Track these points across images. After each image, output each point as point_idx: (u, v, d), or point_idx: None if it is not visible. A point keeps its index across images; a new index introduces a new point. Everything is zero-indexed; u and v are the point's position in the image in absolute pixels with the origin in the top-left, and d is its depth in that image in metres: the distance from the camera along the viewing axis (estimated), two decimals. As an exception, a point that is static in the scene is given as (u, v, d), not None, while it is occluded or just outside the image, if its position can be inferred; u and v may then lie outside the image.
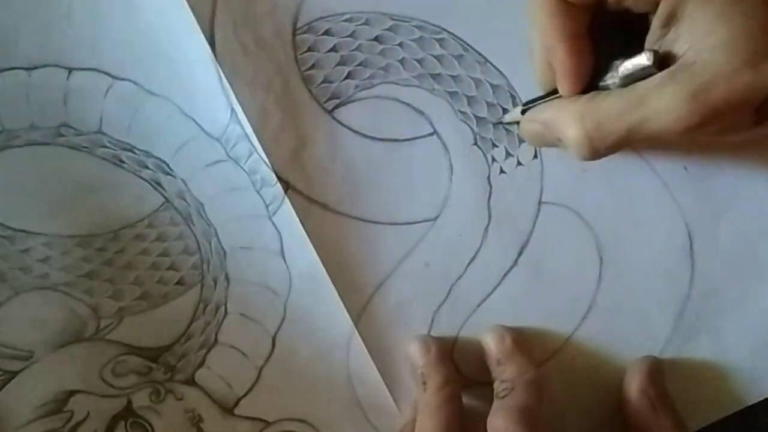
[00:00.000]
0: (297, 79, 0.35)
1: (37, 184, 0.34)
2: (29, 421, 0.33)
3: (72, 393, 0.33)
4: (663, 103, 0.27)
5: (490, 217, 0.35)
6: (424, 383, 0.34)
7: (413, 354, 0.35)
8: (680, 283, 0.36)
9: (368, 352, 0.35)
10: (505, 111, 0.35)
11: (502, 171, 0.35)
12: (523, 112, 0.34)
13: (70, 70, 0.35)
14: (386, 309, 0.35)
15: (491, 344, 0.35)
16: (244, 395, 0.35)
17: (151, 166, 0.35)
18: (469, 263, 0.35)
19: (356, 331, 0.35)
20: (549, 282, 0.35)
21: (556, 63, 0.30)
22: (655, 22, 0.29)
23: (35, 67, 0.34)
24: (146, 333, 0.34)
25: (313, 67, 0.35)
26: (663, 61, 0.28)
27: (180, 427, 0.34)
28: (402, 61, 0.35)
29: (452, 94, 0.35)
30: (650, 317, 0.36)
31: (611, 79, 0.30)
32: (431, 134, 0.35)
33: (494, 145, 0.35)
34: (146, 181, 0.35)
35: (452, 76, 0.35)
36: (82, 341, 0.34)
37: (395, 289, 0.35)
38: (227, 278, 0.35)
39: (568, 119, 0.30)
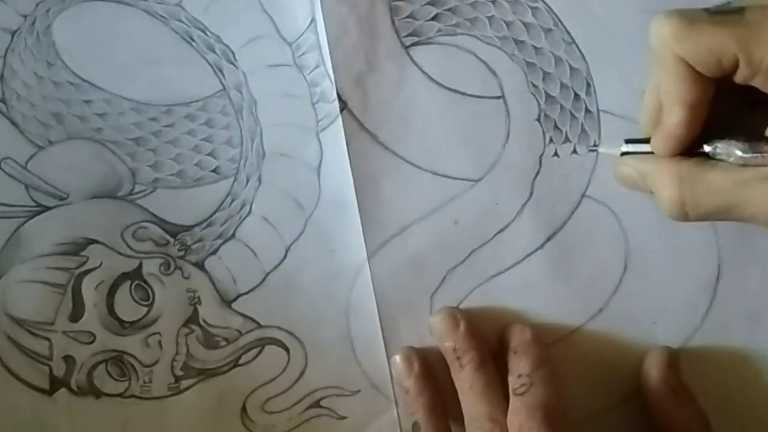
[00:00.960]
0: (384, 6, 0.34)
1: (112, 41, 0.36)
2: (46, 254, 0.35)
3: (91, 241, 0.35)
4: (763, 194, 0.28)
5: (531, 194, 0.35)
6: (458, 359, 0.34)
7: (440, 329, 0.34)
8: (695, 314, 0.35)
9: (373, 290, 0.35)
10: (576, 96, 0.34)
11: (556, 153, 0.35)
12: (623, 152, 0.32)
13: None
14: (403, 253, 0.35)
15: (511, 334, 0.34)
16: (245, 293, 0.36)
17: (217, 52, 0.36)
18: (497, 233, 0.35)
19: (368, 266, 0.35)
20: (568, 274, 0.35)
21: (665, 123, 0.30)
22: None
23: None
24: (173, 208, 0.36)
25: (402, -2, 0.34)
26: None
27: (178, 303, 0.35)
28: (490, 19, 0.34)
29: (530, 64, 0.35)
30: (657, 337, 0.35)
31: (720, 150, 0.29)
32: (498, 98, 0.35)
33: (556, 127, 0.35)
34: (210, 64, 0.36)
35: (535, 48, 0.34)
36: (114, 198, 0.35)
37: (417, 237, 0.35)
38: (260, 179, 0.36)
39: (667, 179, 0.30)
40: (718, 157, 0.29)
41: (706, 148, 0.30)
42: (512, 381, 0.33)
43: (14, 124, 0.35)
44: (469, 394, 0.33)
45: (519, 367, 0.33)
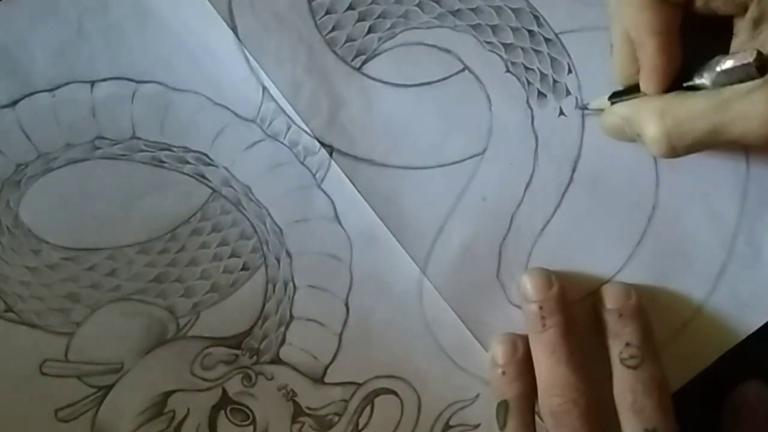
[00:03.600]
0: (321, 44, 0.34)
1: (85, 200, 0.35)
2: (134, 429, 0.34)
3: (169, 394, 0.34)
4: (749, 106, 0.28)
5: (537, 139, 0.35)
6: (543, 318, 0.33)
7: (531, 286, 0.34)
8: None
9: (442, 297, 0.35)
10: (531, 33, 0.35)
11: (540, 93, 0.35)
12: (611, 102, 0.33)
13: (92, 82, 0.34)
14: (451, 251, 0.35)
15: (614, 296, 0.34)
16: (331, 363, 0.35)
17: (191, 161, 0.35)
18: (526, 189, 0.35)
19: (425, 279, 0.35)
20: (607, 194, 0.35)
21: (643, 59, 0.30)
22: (744, 24, 0.29)
23: (57, 87, 0.34)
24: (224, 322, 0.35)
25: (333, 29, 0.34)
26: (762, 66, 0.28)
27: (277, 405, 0.35)
28: (420, 5, 0.35)
29: (475, 26, 0.35)
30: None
31: (699, 79, 0.30)
32: (462, 70, 0.35)
33: (527, 69, 0.35)
34: (190, 176, 0.35)
35: (472, 9, 0.35)
36: (166, 343, 0.34)
37: (457, 230, 0.35)
38: (288, 254, 0.35)
39: (649, 115, 0.30)
40: (706, 85, 0.29)
41: (694, 82, 0.30)
42: (617, 346, 0.33)
43: (32, 326, 0.34)
44: (550, 359, 0.33)
45: (625, 333, 0.33)
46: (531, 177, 0.35)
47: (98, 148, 0.35)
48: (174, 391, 0.34)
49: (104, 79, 0.35)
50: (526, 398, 0.34)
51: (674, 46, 0.30)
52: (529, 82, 0.35)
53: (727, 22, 0.30)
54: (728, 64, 0.29)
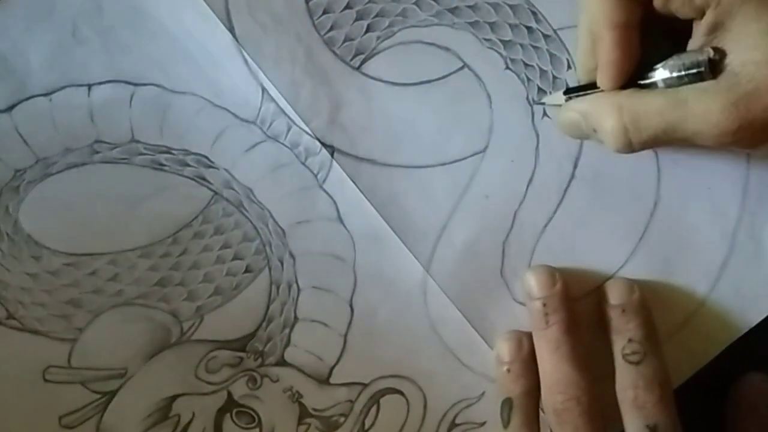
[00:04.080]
0: (319, 44, 0.34)
1: (86, 205, 0.34)
2: (140, 434, 0.33)
3: (173, 398, 0.34)
4: (703, 106, 0.28)
5: (537, 136, 0.35)
6: (546, 315, 0.33)
7: (534, 283, 0.34)
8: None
9: (446, 296, 0.35)
10: (529, 29, 0.35)
11: (540, 89, 0.35)
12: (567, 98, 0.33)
13: (89, 86, 0.34)
14: (455, 250, 0.35)
15: (617, 291, 0.34)
16: (336, 363, 0.35)
17: (191, 163, 0.35)
18: (528, 186, 0.35)
19: (429, 278, 0.35)
20: (609, 189, 0.35)
21: (601, 52, 0.30)
22: (701, 28, 0.29)
23: (53, 91, 0.34)
24: (228, 325, 0.35)
25: (332, 28, 0.34)
26: (713, 65, 0.29)
27: (283, 407, 0.35)
28: (418, 3, 0.35)
29: (473, 23, 0.35)
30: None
31: (657, 75, 0.30)
32: (461, 68, 0.35)
33: (526, 65, 0.35)
34: (190, 178, 0.35)
35: (470, 6, 0.35)
36: (170, 347, 0.34)
37: (459, 228, 0.35)
38: (292, 255, 0.35)
39: (607, 110, 0.30)
40: (658, 84, 0.30)
41: (648, 81, 0.31)
42: (620, 342, 0.33)
43: (34, 332, 0.34)
44: (554, 357, 0.33)
45: (628, 329, 0.33)
46: (533, 174, 0.35)
47: (97, 152, 0.34)
48: (179, 395, 0.34)
49: (101, 83, 0.34)
50: (531, 395, 0.34)
51: (632, 41, 0.30)
52: (528, 79, 0.35)
53: (685, 25, 0.30)
54: (681, 63, 0.29)
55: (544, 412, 0.34)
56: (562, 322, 0.33)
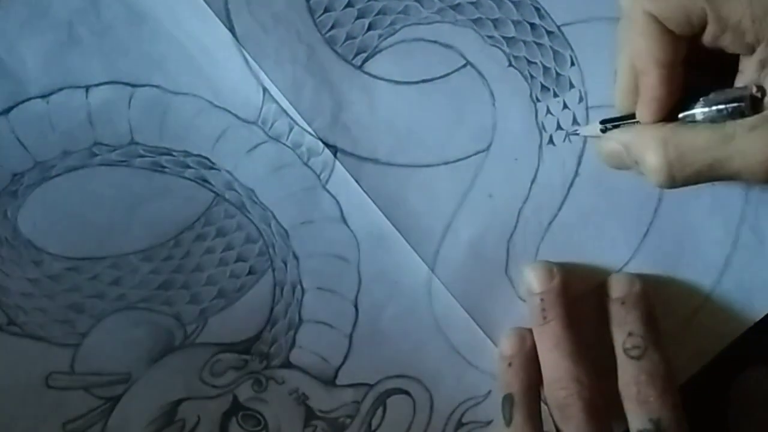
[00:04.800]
0: (320, 43, 0.34)
1: (85, 209, 0.34)
2: (145, 439, 0.33)
3: (178, 402, 0.34)
4: (750, 143, 0.28)
5: (541, 134, 0.35)
6: (543, 310, 0.33)
7: (532, 279, 0.34)
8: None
9: (451, 295, 0.35)
10: (532, 25, 0.35)
11: (543, 86, 0.35)
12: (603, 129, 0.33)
13: (87, 87, 0.34)
14: (459, 249, 0.35)
15: (618, 285, 0.34)
16: (342, 364, 0.35)
17: (192, 165, 0.34)
18: (532, 184, 0.35)
19: (434, 277, 0.35)
20: (614, 184, 0.35)
21: (644, 88, 0.30)
22: (751, 64, 0.29)
23: (50, 93, 0.33)
24: (232, 328, 0.34)
25: (333, 27, 0.34)
26: (754, 102, 0.28)
27: (289, 410, 0.34)
28: (419, 0, 0.34)
29: (476, 20, 0.35)
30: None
31: (697, 109, 0.30)
32: (464, 66, 0.35)
33: (530, 62, 0.35)
34: (191, 180, 0.34)
35: (472, 3, 0.34)
36: (174, 351, 0.34)
37: (464, 227, 0.35)
38: (295, 256, 0.35)
39: (651, 144, 0.30)
40: (694, 118, 0.30)
41: (688, 112, 0.30)
42: (620, 336, 0.33)
43: (36, 338, 0.33)
44: (554, 352, 0.33)
45: (628, 321, 0.33)
46: (536, 172, 0.35)
47: (96, 155, 0.34)
48: (184, 400, 0.34)
49: (99, 84, 0.34)
50: (531, 390, 0.34)
51: (676, 78, 0.30)
52: (532, 76, 0.35)
53: (729, 59, 0.30)
54: (723, 97, 0.29)
55: (548, 408, 0.34)
56: (560, 317, 0.33)
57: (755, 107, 0.29)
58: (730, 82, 0.30)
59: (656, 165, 0.29)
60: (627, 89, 0.31)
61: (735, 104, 0.29)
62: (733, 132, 0.28)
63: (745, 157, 0.28)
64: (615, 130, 0.32)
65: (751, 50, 0.29)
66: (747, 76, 0.30)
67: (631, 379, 0.32)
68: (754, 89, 0.29)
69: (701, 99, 0.30)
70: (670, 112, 0.30)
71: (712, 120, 0.29)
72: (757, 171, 0.28)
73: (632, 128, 0.31)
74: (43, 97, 0.33)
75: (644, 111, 0.31)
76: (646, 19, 0.29)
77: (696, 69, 0.30)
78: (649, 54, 0.29)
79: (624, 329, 0.33)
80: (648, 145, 0.30)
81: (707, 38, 0.29)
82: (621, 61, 0.31)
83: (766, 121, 0.28)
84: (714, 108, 0.29)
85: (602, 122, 0.33)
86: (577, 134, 0.35)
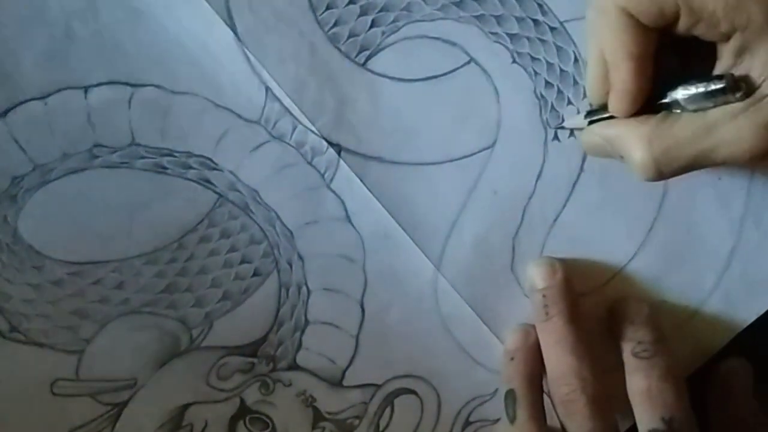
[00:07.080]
0: (323, 41, 0.33)
1: (87, 212, 0.33)
2: (153, 445, 0.33)
3: (186, 407, 0.33)
4: (734, 131, 0.28)
5: (546, 131, 0.35)
6: (546, 306, 0.33)
7: (536, 276, 0.34)
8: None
9: (457, 293, 0.35)
10: (535, 22, 0.34)
11: (547, 83, 0.35)
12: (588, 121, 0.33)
13: (86, 88, 0.33)
14: (465, 247, 0.35)
15: (626, 307, 0.34)
16: (348, 365, 0.35)
17: (195, 166, 0.34)
18: (537, 180, 0.35)
19: (440, 276, 0.35)
20: (618, 180, 0.35)
21: (615, 80, 0.30)
22: (727, 52, 0.29)
23: (49, 95, 0.33)
24: (238, 331, 0.34)
25: (335, 24, 0.34)
26: (736, 85, 0.28)
27: (296, 412, 0.34)
28: (423, -4, 0.34)
29: (479, 17, 0.34)
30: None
31: (675, 98, 0.30)
32: (468, 62, 0.35)
33: (533, 59, 0.35)
34: (194, 181, 0.34)
35: (475, -1, 0.34)
36: (180, 355, 0.34)
37: (469, 225, 0.35)
38: (300, 257, 0.35)
39: (636, 140, 0.30)
40: (680, 104, 0.30)
41: (667, 100, 0.30)
42: (631, 346, 0.33)
43: (40, 345, 0.33)
44: (557, 348, 0.33)
45: (638, 335, 0.33)
46: (541, 168, 0.35)
47: (97, 157, 0.33)
48: (191, 404, 0.33)
49: (98, 84, 0.33)
50: (533, 385, 0.34)
51: (648, 70, 0.30)
52: (536, 72, 0.35)
53: (704, 48, 0.30)
54: (706, 87, 0.29)
55: (552, 404, 0.34)
56: (563, 313, 0.33)
57: (736, 89, 0.29)
58: (709, 66, 0.30)
59: (643, 161, 0.30)
60: (598, 79, 0.31)
61: (716, 86, 0.29)
62: (715, 121, 0.29)
63: (730, 146, 0.28)
64: (598, 124, 0.32)
65: (726, 38, 0.29)
66: (724, 63, 0.29)
67: (642, 376, 0.32)
68: (730, 78, 0.29)
69: (681, 86, 0.30)
70: (645, 104, 0.30)
71: (695, 103, 0.29)
72: (741, 157, 0.28)
73: (615, 122, 0.31)
74: (41, 98, 0.33)
75: (617, 104, 0.31)
76: (617, 12, 0.29)
77: (674, 54, 0.30)
78: (622, 47, 0.29)
79: (634, 341, 0.33)
80: (632, 143, 0.30)
81: (681, 28, 0.29)
82: (590, 51, 0.31)
83: (747, 109, 0.28)
84: (697, 91, 0.29)
85: (587, 114, 0.33)
86: (563, 127, 0.34)
